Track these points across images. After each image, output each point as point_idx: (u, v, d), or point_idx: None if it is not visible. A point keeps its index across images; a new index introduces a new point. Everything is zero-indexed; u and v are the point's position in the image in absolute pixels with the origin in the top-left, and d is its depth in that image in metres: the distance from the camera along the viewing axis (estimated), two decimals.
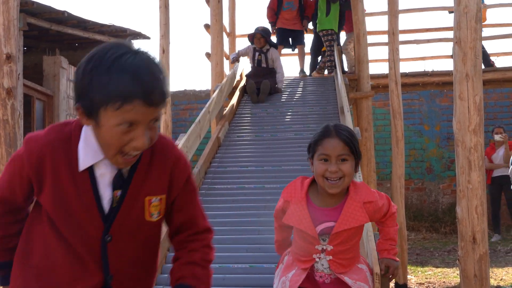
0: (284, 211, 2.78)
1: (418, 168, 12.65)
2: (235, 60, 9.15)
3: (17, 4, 4.04)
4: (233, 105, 8.00)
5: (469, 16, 3.55)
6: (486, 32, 11.64)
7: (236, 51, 9.44)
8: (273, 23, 10.28)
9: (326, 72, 9.93)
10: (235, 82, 8.65)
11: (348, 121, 5.87)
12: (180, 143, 5.29)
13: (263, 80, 8.39)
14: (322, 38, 9.70)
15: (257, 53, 8.83)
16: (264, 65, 8.78)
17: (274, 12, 10.22)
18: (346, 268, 2.76)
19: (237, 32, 11.28)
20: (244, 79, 9.06)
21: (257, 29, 8.89)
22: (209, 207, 5.22)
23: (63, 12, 9.85)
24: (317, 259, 2.74)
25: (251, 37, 8.92)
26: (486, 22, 11.31)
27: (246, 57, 9.25)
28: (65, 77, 10.39)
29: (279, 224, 2.91)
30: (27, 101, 9.54)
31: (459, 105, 3.57)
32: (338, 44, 9.78)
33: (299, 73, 10.31)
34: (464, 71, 3.55)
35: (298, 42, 10.37)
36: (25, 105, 9.26)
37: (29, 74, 10.84)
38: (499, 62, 15.02)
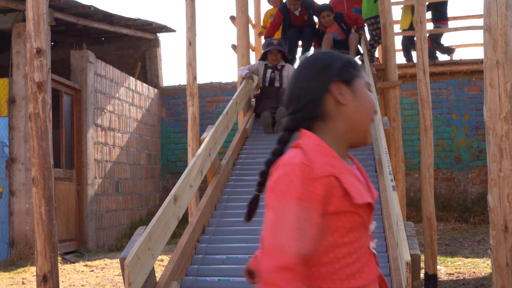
0: (326, 198, 1.59)
1: (447, 158, 12.55)
2: (247, 77, 7.55)
3: None
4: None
5: (499, 3, 3.51)
6: None
7: (246, 66, 7.88)
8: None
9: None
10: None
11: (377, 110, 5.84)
12: (208, 134, 5.31)
13: (280, 107, 6.94)
14: (370, 27, 9.50)
15: (269, 70, 7.64)
16: (277, 84, 7.55)
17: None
18: None
19: (263, 24, 11.24)
20: (254, 102, 7.90)
21: (271, 44, 7.71)
22: (238, 198, 5.23)
23: (90, 7, 9.93)
24: (373, 251, 1.77)
25: (264, 55, 7.77)
26: None
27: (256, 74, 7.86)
28: (92, 71, 10.47)
29: (317, 220, 1.58)
30: (55, 95, 9.64)
31: (489, 93, 3.54)
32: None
33: None
34: (495, 58, 3.51)
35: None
36: (53, 99, 9.34)
37: (57, 68, 10.96)
38: None
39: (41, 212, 3.96)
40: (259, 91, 7.79)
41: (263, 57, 7.74)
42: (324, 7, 9.07)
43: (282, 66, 7.62)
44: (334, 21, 8.99)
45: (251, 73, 7.67)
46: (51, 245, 4.00)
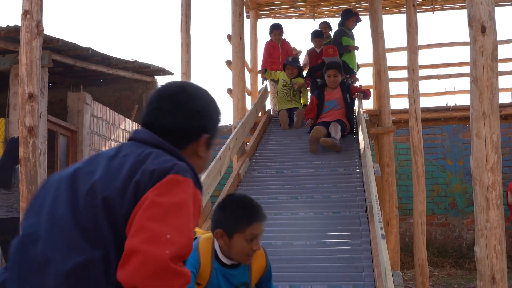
0: None
1: (442, 203, 12.54)
2: None
3: (39, 44, 4.13)
4: (254, 141, 8.01)
5: (485, 55, 3.56)
6: (504, 67, 11.60)
7: None
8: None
9: None
10: (256, 118, 8.67)
11: (368, 157, 5.86)
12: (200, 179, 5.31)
13: None
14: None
15: None
16: None
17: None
18: None
19: (259, 68, 11.32)
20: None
21: None
22: None
23: (88, 49, 10.02)
24: None
25: None
26: (503, 57, 11.23)
27: None
28: (89, 112, 10.52)
29: None
30: (51, 136, 9.67)
31: (476, 144, 3.57)
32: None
33: None
34: (481, 110, 3.55)
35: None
36: (49, 140, 9.39)
37: (54, 109, 11.01)
38: None
39: None
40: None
41: None
42: (332, 65, 7.96)
43: None
44: (340, 87, 7.92)
45: None
46: None
